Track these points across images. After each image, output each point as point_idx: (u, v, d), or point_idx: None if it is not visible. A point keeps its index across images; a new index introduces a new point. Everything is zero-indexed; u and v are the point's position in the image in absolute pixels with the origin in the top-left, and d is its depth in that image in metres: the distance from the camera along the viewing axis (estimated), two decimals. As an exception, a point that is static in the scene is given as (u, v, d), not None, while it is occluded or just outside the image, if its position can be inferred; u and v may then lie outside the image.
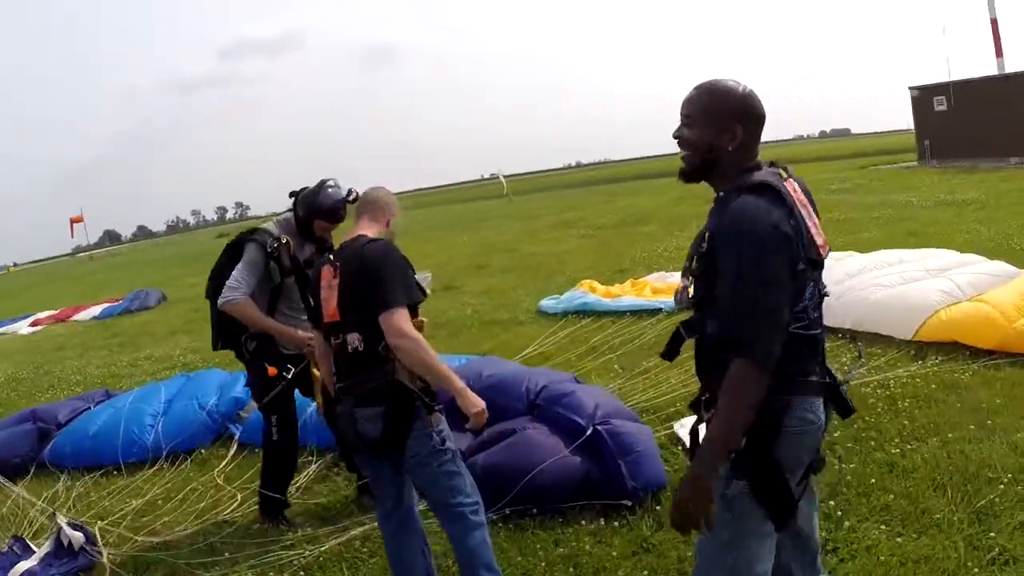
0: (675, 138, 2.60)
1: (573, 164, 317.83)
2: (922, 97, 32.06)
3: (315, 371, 4.79)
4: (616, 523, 4.50)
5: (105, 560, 4.80)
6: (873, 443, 5.02)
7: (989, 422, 5.06)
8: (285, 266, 4.78)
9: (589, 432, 4.76)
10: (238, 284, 4.68)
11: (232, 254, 4.90)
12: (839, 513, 4.20)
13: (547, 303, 11.26)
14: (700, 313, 2.52)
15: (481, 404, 3.50)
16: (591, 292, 11.01)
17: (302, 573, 4.51)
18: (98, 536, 5.06)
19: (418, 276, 3.71)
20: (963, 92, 29.96)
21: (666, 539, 4.25)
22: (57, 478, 6.52)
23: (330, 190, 4.82)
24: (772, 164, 2.56)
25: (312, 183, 4.92)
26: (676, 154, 2.64)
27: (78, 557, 4.82)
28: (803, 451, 2.50)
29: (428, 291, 3.97)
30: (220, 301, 4.73)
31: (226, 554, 4.80)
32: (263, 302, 4.84)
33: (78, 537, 4.84)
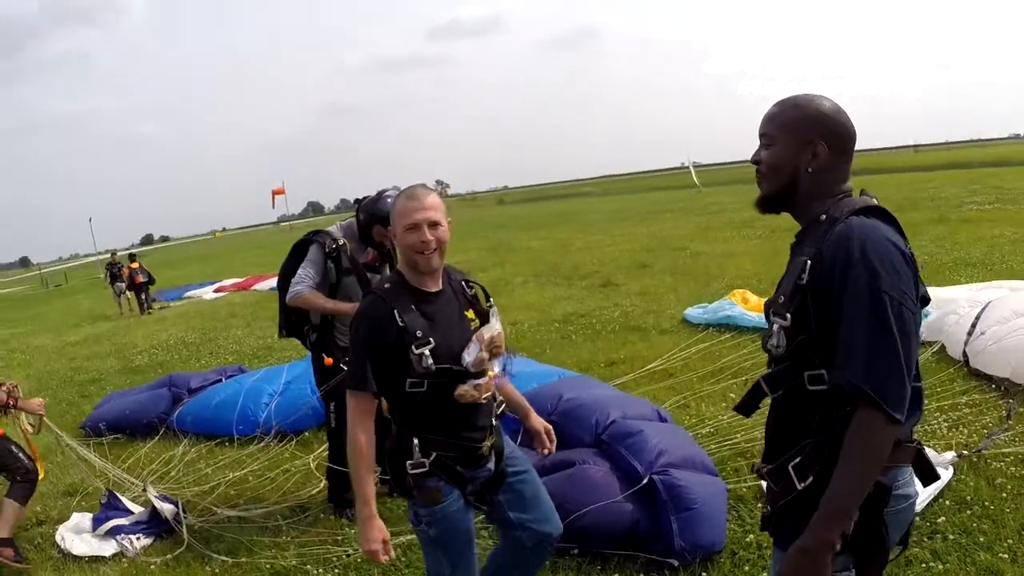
0: (753, 163, 2.30)
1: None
2: None
3: None
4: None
5: (184, 532, 5.10)
6: (983, 539, 4.00)
7: None
8: (343, 267, 5.11)
9: (644, 481, 4.29)
10: (302, 279, 5.03)
11: (297, 254, 5.22)
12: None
13: (693, 312, 10.59)
14: (791, 362, 2.10)
15: None
16: (741, 304, 10.19)
17: (339, 569, 4.58)
18: (181, 508, 5.34)
19: None
20: None
21: None
22: (178, 442, 7.08)
23: (389, 199, 5.01)
24: (864, 193, 2.24)
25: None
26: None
27: (163, 522, 5.27)
28: (899, 528, 2.18)
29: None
30: (288, 297, 5.09)
31: (283, 538, 5.04)
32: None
33: (169, 509, 5.27)
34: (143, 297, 21.26)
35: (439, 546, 2.99)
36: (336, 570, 4.54)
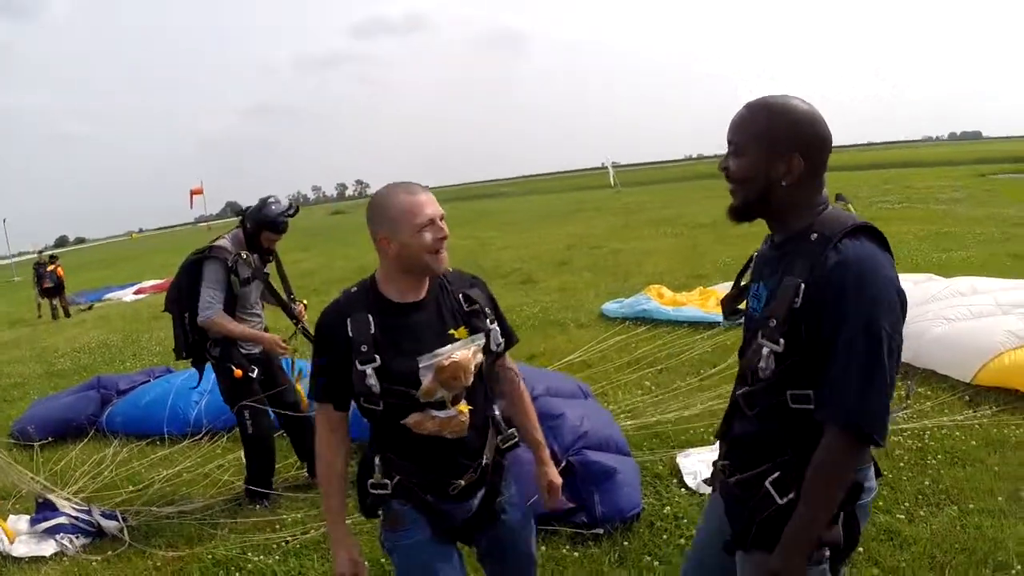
0: (721, 170, 2.20)
1: (694, 156, 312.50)
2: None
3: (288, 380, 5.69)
4: (576, 553, 4.27)
5: (125, 535, 5.16)
6: (881, 503, 4.44)
7: (1023, 493, 4.50)
8: (244, 277, 5.28)
9: (563, 464, 4.57)
10: (211, 303, 5.14)
11: (191, 274, 5.25)
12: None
13: (610, 306, 11.01)
14: (774, 381, 2.06)
15: None
16: (656, 298, 10.66)
17: (279, 555, 4.71)
18: (121, 518, 5.34)
19: None
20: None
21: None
22: (109, 443, 7.08)
23: (273, 206, 5.33)
24: (839, 198, 2.16)
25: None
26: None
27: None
28: (866, 516, 2.21)
29: None
30: (199, 320, 5.16)
31: (223, 529, 5.15)
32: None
33: (114, 525, 5.25)
34: (55, 302, 20.77)
35: (399, 574, 2.73)
36: (276, 556, 4.69)
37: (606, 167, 65.10)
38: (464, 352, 2.53)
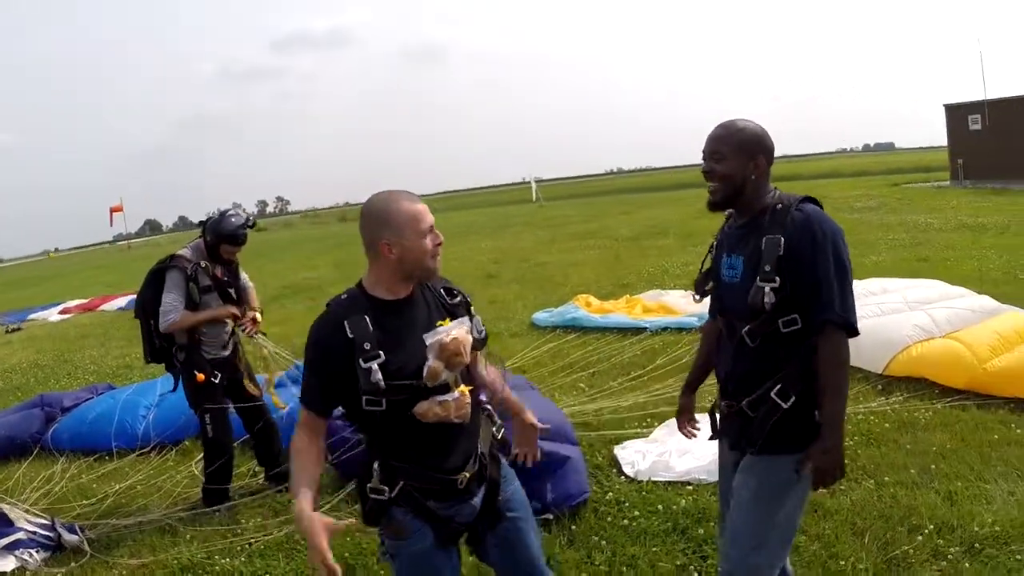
0: (705, 172, 2.92)
1: (615, 170, 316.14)
2: (956, 115, 31.56)
3: (248, 384, 5.79)
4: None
5: (86, 546, 5.24)
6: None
7: (933, 467, 4.98)
8: (203, 285, 5.45)
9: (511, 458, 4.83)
10: (172, 307, 5.32)
11: (155, 284, 5.45)
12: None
13: (540, 316, 11.31)
14: (767, 315, 2.75)
15: None
16: (584, 307, 11.05)
17: (244, 557, 4.87)
18: (79, 529, 5.40)
19: None
20: (998, 111, 29.41)
21: (572, 558, 4.36)
22: (56, 460, 7.10)
23: (232, 218, 5.49)
24: (775, 188, 2.92)
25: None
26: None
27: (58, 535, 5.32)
28: None
29: None
30: (162, 327, 5.34)
31: (188, 536, 5.29)
32: None
33: (73, 540, 5.28)
34: None
35: None
36: (242, 557, 4.86)
37: (529, 182, 65.91)
38: (461, 329, 2.69)
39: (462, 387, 2.68)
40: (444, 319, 2.72)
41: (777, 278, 2.72)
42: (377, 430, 2.67)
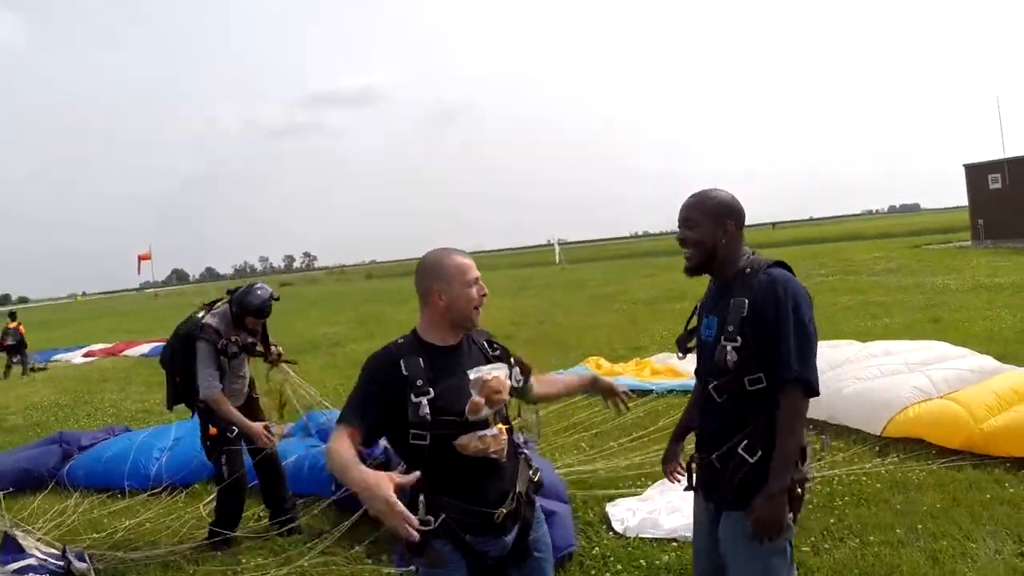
0: (680, 240, 3.12)
1: (640, 233, 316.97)
2: (976, 174, 31.60)
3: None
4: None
5: (92, 574, 5.45)
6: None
7: (920, 526, 5.01)
8: (231, 353, 5.78)
9: None
10: (210, 383, 5.59)
11: (184, 348, 5.77)
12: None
13: (550, 377, 11.34)
14: (734, 373, 2.91)
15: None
16: (595, 368, 11.23)
17: None
18: (88, 559, 5.58)
19: None
20: (1018, 169, 29.45)
21: None
22: (70, 495, 7.36)
23: (258, 291, 5.84)
24: (753, 252, 3.08)
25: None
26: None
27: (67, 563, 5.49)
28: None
29: None
30: (202, 395, 5.60)
31: (191, 572, 5.50)
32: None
33: (82, 567, 5.48)
34: (14, 360, 20.54)
35: None
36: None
37: (553, 244, 66.47)
38: (501, 371, 3.02)
39: (500, 425, 2.95)
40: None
41: (739, 337, 2.88)
42: (422, 463, 2.79)
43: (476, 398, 2.85)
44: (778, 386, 2.85)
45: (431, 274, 2.94)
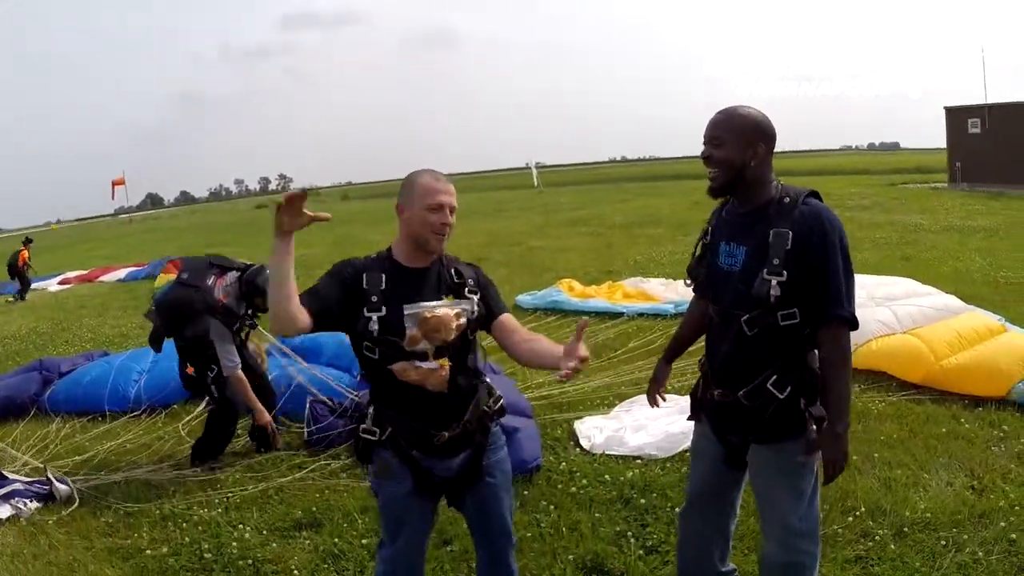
0: (704, 158, 2.91)
1: (617, 158, 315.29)
2: (956, 117, 31.68)
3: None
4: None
5: (75, 493, 5.55)
6: None
7: (876, 455, 5.20)
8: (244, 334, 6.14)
9: None
10: (233, 359, 5.77)
11: (184, 316, 5.78)
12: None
13: (523, 298, 11.52)
14: (767, 306, 2.78)
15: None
16: (567, 291, 11.35)
17: (221, 509, 5.21)
18: (71, 484, 5.65)
19: None
20: (998, 116, 29.55)
21: (520, 520, 4.56)
22: (52, 420, 7.43)
23: (268, 273, 5.66)
24: (778, 180, 2.93)
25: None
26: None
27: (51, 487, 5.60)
28: None
29: None
30: (226, 373, 5.75)
31: (171, 490, 5.60)
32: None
33: (64, 490, 5.57)
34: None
35: (381, 516, 3.12)
36: (219, 510, 5.20)
37: (530, 167, 66.04)
38: (446, 311, 2.88)
39: (442, 360, 2.88)
40: (448, 295, 2.94)
41: (784, 271, 2.74)
42: (372, 375, 2.94)
43: (413, 331, 2.83)
44: (824, 321, 2.77)
45: (403, 190, 2.95)
